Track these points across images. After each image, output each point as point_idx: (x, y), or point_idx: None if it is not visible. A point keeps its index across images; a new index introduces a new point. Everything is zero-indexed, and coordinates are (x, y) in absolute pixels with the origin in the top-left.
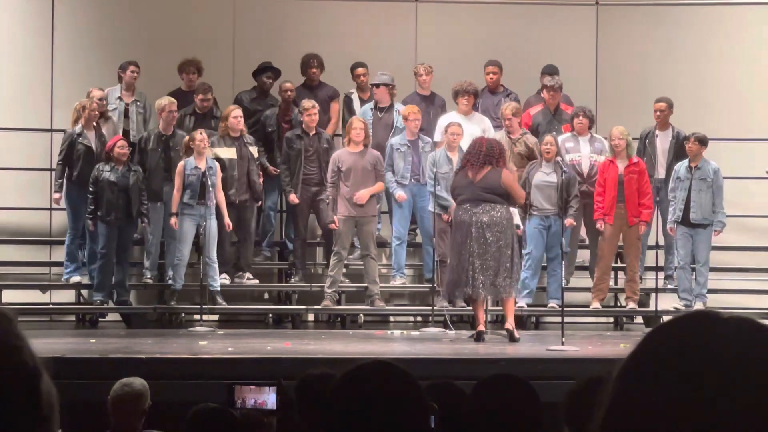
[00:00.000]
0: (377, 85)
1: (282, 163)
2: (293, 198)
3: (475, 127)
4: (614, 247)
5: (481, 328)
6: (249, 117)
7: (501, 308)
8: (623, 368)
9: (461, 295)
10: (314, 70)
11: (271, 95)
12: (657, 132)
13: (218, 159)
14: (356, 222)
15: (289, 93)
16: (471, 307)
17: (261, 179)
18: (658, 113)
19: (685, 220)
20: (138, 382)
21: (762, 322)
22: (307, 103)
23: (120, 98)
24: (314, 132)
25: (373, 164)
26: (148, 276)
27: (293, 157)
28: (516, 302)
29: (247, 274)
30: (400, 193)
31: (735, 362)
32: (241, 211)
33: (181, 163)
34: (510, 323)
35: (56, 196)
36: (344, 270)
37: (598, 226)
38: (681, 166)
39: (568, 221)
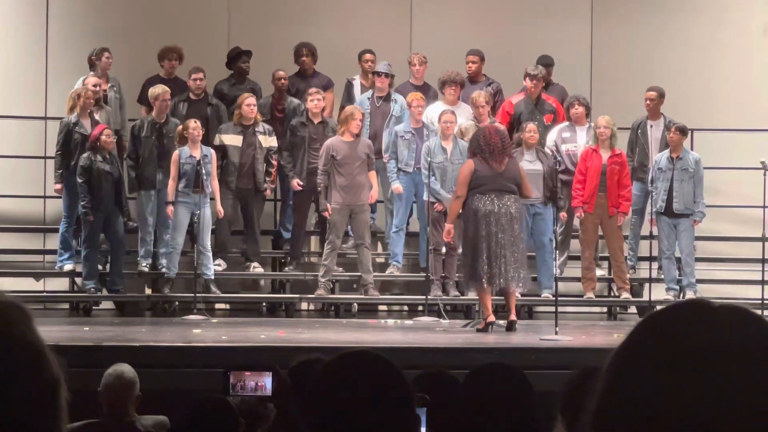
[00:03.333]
0: (379, 74)
1: (285, 150)
2: (295, 184)
3: (461, 118)
4: (595, 236)
5: (493, 318)
6: (229, 104)
7: (502, 298)
8: (615, 357)
9: (495, 287)
10: (305, 58)
11: (249, 79)
12: (649, 122)
13: (222, 145)
14: (351, 211)
15: (282, 81)
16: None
17: (274, 169)
18: (648, 102)
19: (667, 211)
20: (128, 368)
21: (754, 311)
22: (312, 90)
23: (98, 85)
24: (320, 120)
25: (366, 153)
26: (143, 264)
27: (297, 145)
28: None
29: (254, 264)
30: (396, 185)
31: (726, 351)
32: (245, 200)
33: (176, 152)
34: (514, 314)
35: (57, 186)
36: (337, 259)
37: (577, 214)
38: (662, 157)
39: (563, 215)
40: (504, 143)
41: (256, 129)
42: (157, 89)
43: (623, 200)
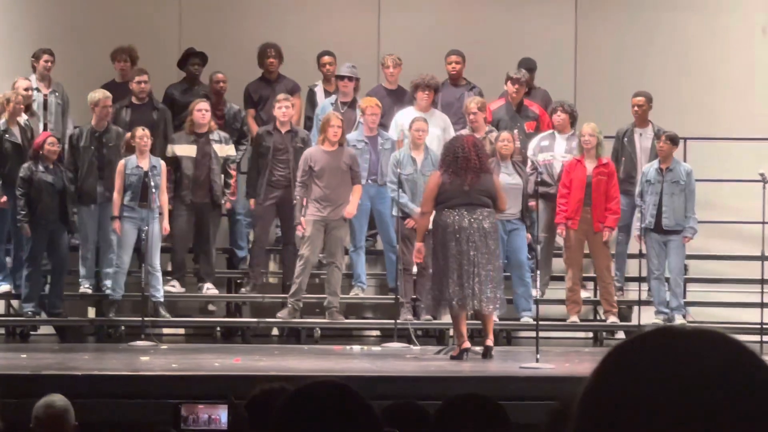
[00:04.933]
0: (342, 78)
1: (251, 162)
2: (252, 203)
3: (433, 127)
4: (580, 255)
5: (468, 344)
6: (181, 111)
7: (478, 322)
8: (586, 390)
9: (465, 308)
10: (272, 60)
11: (202, 83)
12: (637, 129)
13: (174, 157)
14: (326, 226)
15: (221, 84)
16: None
17: (233, 180)
18: (636, 108)
19: (656, 227)
20: (58, 398)
21: (730, 335)
22: (281, 95)
23: (37, 89)
24: (288, 128)
25: (349, 164)
26: (86, 285)
27: (263, 155)
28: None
29: (207, 284)
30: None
31: (701, 377)
32: (200, 215)
33: (121, 162)
34: (491, 339)
35: (3, 199)
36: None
37: (558, 231)
38: (650, 168)
39: (528, 236)
40: (480, 159)
41: (211, 137)
42: (97, 94)
43: (610, 213)
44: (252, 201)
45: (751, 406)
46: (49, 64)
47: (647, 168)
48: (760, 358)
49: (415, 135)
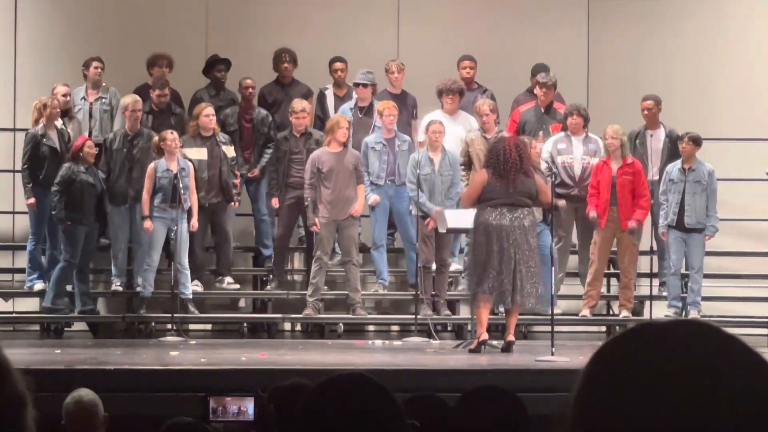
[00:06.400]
0: (358, 85)
1: (270, 165)
2: (274, 202)
3: (459, 127)
4: (607, 253)
5: (486, 336)
6: None
7: (497, 317)
8: (577, 392)
9: (505, 304)
10: (287, 65)
11: (227, 89)
12: (648, 131)
13: (188, 160)
14: (337, 226)
15: (249, 90)
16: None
17: (237, 180)
18: (645, 112)
19: (678, 224)
20: (86, 392)
21: (717, 326)
22: (297, 104)
23: (84, 98)
24: (303, 132)
25: (354, 165)
26: (118, 283)
27: (280, 159)
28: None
29: (227, 279)
30: (374, 197)
31: (689, 367)
32: (215, 214)
33: (151, 165)
34: (513, 335)
35: (31, 201)
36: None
37: (591, 215)
38: (673, 168)
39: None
40: (522, 159)
41: (218, 140)
42: (127, 99)
43: (638, 208)
44: (275, 200)
45: (742, 392)
46: (99, 70)
47: (670, 167)
48: (746, 344)
49: (432, 137)
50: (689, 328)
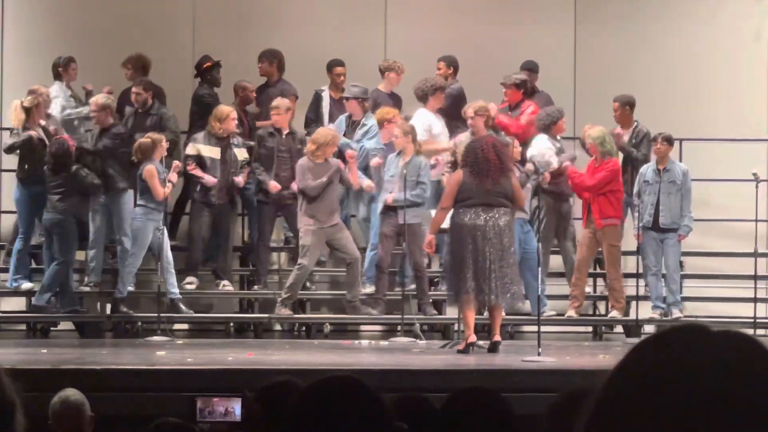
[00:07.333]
0: (347, 99)
1: (255, 161)
2: (274, 185)
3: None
4: (590, 252)
5: (474, 337)
6: (205, 109)
7: (484, 317)
8: (609, 381)
9: (482, 303)
10: (260, 65)
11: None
12: (620, 131)
13: (198, 155)
14: (326, 235)
15: (247, 92)
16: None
17: (242, 181)
18: (614, 113)
19: (654, 225)
20: (72, 392)
21: (752, 336)
22: (279, 101)
23: (72, 97)
24: (288, 131)
25: (338, 173)
26: (92, 283)
27: (265, 156)
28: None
29: (224, 281)
30: (367, 183)
31: (724, 376)
32: (220, 215)
33: (151, 166)
34: (499, 335)
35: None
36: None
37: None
38: (648, 169)
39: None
40: (502, 160)
41: (232, 142)
42: (98, 98)
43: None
44: (272, 183)
45: None
46: (76, 71)
47: (645, 168)
48: None
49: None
50: (733, 338)
